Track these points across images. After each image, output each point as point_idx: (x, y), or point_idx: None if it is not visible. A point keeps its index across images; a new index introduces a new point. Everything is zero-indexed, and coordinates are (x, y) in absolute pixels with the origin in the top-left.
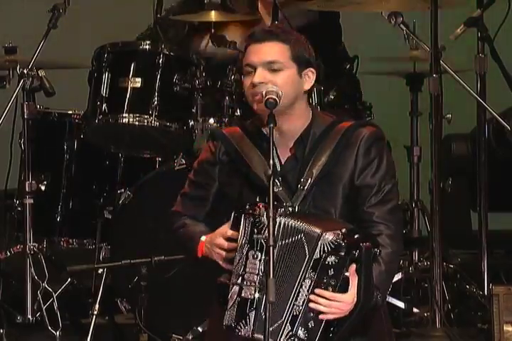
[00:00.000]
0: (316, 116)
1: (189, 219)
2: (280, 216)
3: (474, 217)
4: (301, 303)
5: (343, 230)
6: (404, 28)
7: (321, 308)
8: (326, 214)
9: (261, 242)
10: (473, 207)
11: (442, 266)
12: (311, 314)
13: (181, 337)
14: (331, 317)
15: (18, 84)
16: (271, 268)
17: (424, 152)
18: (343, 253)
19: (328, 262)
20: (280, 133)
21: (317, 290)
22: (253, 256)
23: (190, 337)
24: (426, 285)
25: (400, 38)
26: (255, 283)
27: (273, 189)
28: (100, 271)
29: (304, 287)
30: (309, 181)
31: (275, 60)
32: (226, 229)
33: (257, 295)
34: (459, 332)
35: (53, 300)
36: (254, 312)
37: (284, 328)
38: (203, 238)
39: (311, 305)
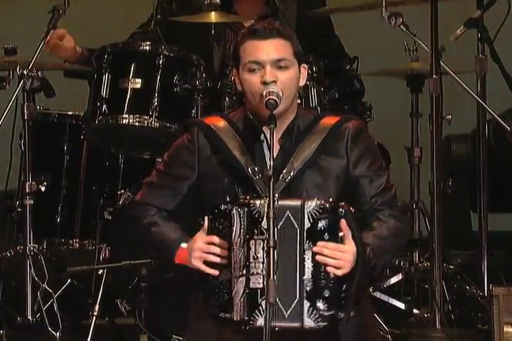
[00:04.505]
0: (299, 111)
1: (158, 216)
2: (269, 200)
3: (474, 218)
4: (309, 276)
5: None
6: (405, 29)
7: (328, 260)
8: None
9: (261, 230)
10: (473, 207)
11: (442, 267)
12: (323, 282)
13: (181, 338)
14: (339, 272)
15: (18, 85)
16: (271, 269)
17: (425, 153)
18: (330, 215)
19: (320, 227)
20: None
21: (320, 243)
22: (255, 245)
23: None
24: (426, 286)
25: (401, 50)
26: (262, 271)
27: (273, 190)
28: (100, 271)
29: (307, 259)
30: (292, 173)
31: (283, 58)
32: (204, 235)
33: (265, 283)
34: (459, 333)
35: (53, 301)
36: (266, 301)
37: (303, 306)
38: (184, 245)
39: (318, 257)
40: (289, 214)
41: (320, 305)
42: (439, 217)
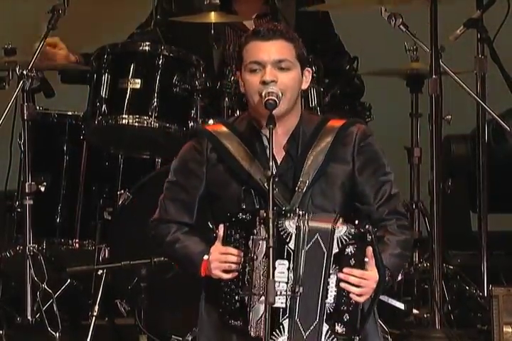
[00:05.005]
0: (303, 115)
1: (180, 233)
2: (298, 221)
3: (474, 218)
4: (332, 300)
5: (341, 219)
6: (404, 29)
7: (352, 288)
8: (325, 212)
9: (288, 250)
10: (472, 207)
11: (442, 267)
12: (344, 307)
13: (181, 338)
14: (361, 299)
15: (18, 86)
16: (271, 269)
17: (424, 153)
18: (358, 241)
19: (348, 253)
20: (275, 133)
21: (346, 269)
22: (280, 265)
23: (190, 338)
24: (426, 286)
25: (401, 49)
26: (286, 291)
27: (273, 190)
28: (100, 272)
29: (331, 283)
30: (307, 183)
31: (285, 59)
32: (220, 246)
33: (288, 303)
34: (459, 333)
35: (53, 302)
36: (287, 321)
37: (322, 328)
38: (206, 257)
39: (342, 284)
40: (319, 237)
41: (338, 328)
42: (438, 217)
